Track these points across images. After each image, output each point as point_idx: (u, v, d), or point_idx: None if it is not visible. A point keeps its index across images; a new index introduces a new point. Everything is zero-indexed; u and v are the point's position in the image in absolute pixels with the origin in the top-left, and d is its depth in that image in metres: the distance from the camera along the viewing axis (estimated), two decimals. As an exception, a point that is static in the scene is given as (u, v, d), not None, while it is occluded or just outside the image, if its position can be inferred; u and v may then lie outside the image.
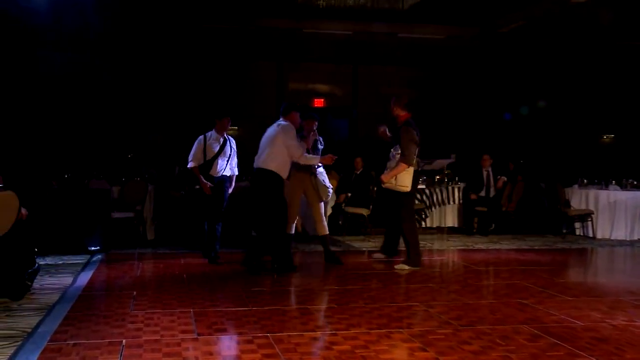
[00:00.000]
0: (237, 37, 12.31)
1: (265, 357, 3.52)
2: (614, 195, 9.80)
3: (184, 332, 4.04)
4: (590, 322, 4.43)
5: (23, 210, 5.19)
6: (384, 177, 6.66)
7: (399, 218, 6.76)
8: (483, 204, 10.03)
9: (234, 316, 4.47)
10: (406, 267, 6.68)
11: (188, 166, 7.06)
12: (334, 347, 3.75)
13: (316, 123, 6.98)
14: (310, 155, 6.58)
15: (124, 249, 7.92)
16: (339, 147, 13.53)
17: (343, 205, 9.79)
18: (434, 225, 10.62)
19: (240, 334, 4.01)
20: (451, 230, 10.46)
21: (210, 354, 3.59)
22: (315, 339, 3.93)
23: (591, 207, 9.87)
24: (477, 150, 11.06)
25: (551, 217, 10.36)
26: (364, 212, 9.47)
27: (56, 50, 11.90)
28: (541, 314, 4.63)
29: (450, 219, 10.78)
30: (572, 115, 13.54)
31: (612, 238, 9.67)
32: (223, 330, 4.09)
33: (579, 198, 10.07)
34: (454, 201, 10.67)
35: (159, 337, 3.90)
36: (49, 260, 6.96)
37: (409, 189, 6.61)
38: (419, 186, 10.29)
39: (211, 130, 7.15)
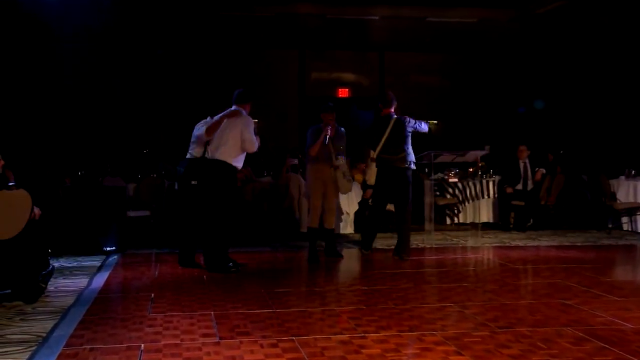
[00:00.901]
0: (256, 24, 12.32)
1: (291, 362, 3.52)
2: (665, 187, 9.61)
3: (204, 335, 4.05)
4: (640, 324, 4.35)
5: (36, 210, 5.27)
6: None
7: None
8: (520, 197, 9.92)
9: (257, 318, 4.47)
10: None
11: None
12: (363, 350, 3.73)
13: (333, 114, 7.06)
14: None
15: (140, 249, 7.98)
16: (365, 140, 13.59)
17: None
18: (468, 221, 10.54)
19: (264, 337, 4.01)
20: (486, 226, 10.36)
21: (233, 358, 3.60)
22: (343, 342, 3.92)
23: (640, 200, 9.71)
24: (513, 140, 10.94)
25: (595, 212, 10.21)
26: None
27: (67, 42, 12.03)
28: (586, 315, 4.56)
29: (485, 214, 10.69)
30: (617, 101, 13.30)
31: (662, 233, 9.50)
32: (246, 334, 4.10)
33: (626, 190, 9.89)
34: (488, 195, 10.58)
35: (178, 341, 3.92)
36: (63, 261, 7.04)
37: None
38: (451, 180, 10.23)
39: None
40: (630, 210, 9.88)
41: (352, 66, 14.05)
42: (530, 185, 10.03)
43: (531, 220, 10.06)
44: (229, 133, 6.33)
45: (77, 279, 6.06)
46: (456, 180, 10.45)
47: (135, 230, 8.47)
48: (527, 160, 10.08)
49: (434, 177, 8.41)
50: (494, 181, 10.56)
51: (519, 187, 10.01)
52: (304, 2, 11.83)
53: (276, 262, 7.24)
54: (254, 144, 6.36)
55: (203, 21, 11.98)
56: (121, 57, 12.46)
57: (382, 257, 7.44)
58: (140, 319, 4.46)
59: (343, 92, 13.78)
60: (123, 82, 12.48)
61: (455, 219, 10.57)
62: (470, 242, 8.65)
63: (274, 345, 3.82)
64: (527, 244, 8.48)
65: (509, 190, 10.01)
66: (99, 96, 12.41)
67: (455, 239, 8.92)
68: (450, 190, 10.26)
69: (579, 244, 8.46)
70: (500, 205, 10.35)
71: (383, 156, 7.14)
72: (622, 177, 10.16)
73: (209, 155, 6.44)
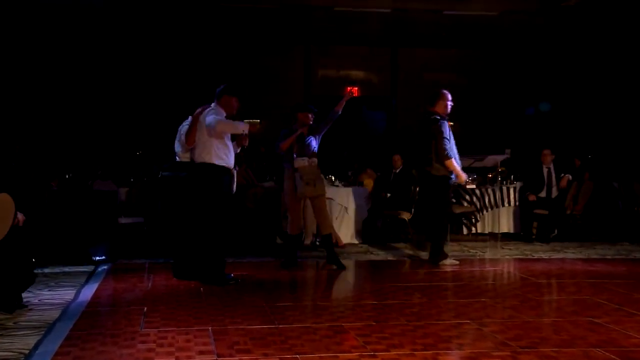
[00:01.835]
0: (259, 17, 12.33)
1: (294, 383, 3.50)
2: None
3: (201, 353, 4.03)
4: (677, 345, 4.31)
5: (19, 216, 5.25)
6: None
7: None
8: (544, 206, 9.89)
9: (257, 335, 4.46)
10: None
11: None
12: (373, 371, 3.72)
13: (311, 116, 7.11)
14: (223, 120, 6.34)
15: (132, 258, 7.97)
16: (375, 142, 13.58)
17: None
18: (486, 231, 10.49)
19: (265, 355, 4.00)
20: (506, 237, 10.31)
21: (231, 378, 3.58)
22: (351, 362, 3.90)
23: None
24: (536, 144, 10.91)
25: (627, 222, 10.17)
26: (405, 215, 9.42)
27: (54, 36, 12.06)
28: (618, 336, 4.52)
29: (505, 224, 10.63)
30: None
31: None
32: (246, 352, 4.08)
33: (663, 199, 9.85)
34: (509, 203, 10.53)
35: (173, 359, 3.90)
36: (48, 271, 7.05)
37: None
38: (469, 186, 10.20)
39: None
40: (666, 221, 9.84)
41: (362, 63, 14.04)
42: (554, 193, 9.99)
43: (556, 231, 10.03)
44: (200, 132, 6.32)
45: (63, 290, 6.04)
46: (474, 186, 10.41)
47: (127, 238, 8.47)
48: (551, 166, 10.05)
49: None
50: (515, 188, 10.52)
51: (543, 194, 9.97)
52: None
53: (279, 274, 7.20)
54: (213, 125, 6.15)
55: (203, 13, 11.98)
56: (113, 50, 12.47)
57: (393, 269, 7.42)
58: (132, 335, 4.44)
59: (352, 91, 13.79)
60: (115, 77, 12.50)
61: (473, 228, 10.52)
62: (489, 254, 8.62)
63: (276, 365, 3.81)
64: (551, 257, 8.43)
65: (532, 197, 9.98)
66: (89, 93, 12.43)
67: (472, 250, 8.89)
68: (468, 197, 10.22)
69: (608, 257, 8.41)
70: (522, 214, 10.31)
71: None
72: (657, 185, 10.13)
73: (194, 159, 6.44)
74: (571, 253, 8.76)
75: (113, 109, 12.52)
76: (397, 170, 9.88)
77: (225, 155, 6.33)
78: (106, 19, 11.60)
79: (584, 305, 5.51)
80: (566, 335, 4.53)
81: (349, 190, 9.68)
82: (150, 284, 6.45)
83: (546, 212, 9.88)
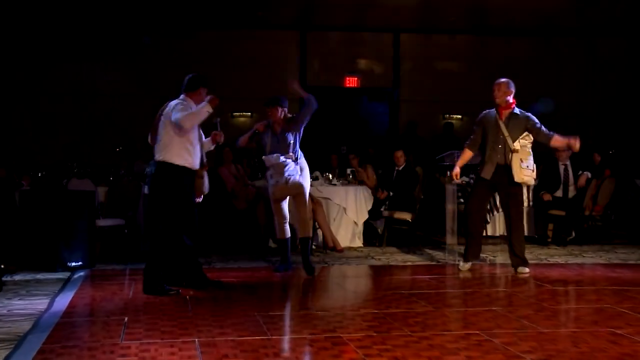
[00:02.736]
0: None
1: (288, 400, 3.50)
2: None
3: (186, 367, 4.03)
4: None
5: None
6: None
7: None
8: (560, 206, 9.90)
9: (249, 347, 4.45)
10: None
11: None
12: (375, 387, 3.72)
13: (280, 109, 7.25)
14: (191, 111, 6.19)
15: (111, 264, 7.97)
16: (377, 138, 13.58)
17: (382, 208, 9.77)
18: (497, 234, 10.51)
19: (256, 370, 4.00)
20: (519, 240, 10.33)
21: (219, 395, 3.58)
22: (350, 376, 3.91)
23: None
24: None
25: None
26: (408, 216, 9.42)
27: (26, 22, 12.06)
28: (641, 348, 4.54)
29: (518, 226, 10.65)
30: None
31: None
32: (235, 366, 4.08)
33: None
34: (522, 203, 10.54)
35: (155, 374, 3.91)
36: (18, 278, 7.03)
37: None
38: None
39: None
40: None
41: (362, 51, 14.03)
42: (572, 192, 10.01)
43: (573, 233, 10.04)
44: (162, 128, 6.25)
45: (35, 299, 6.03)
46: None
47: (106, 242, 8.47)
48: (568, 163, 10.05)
49: (457, 181, 8.40)
50: (528, 187, 10.53)
51: (559, 194, 9.98)
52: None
53: (272, 280, 7.21)
54: (181, 124, 6.02)
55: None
56: (91, 38, 12.47)
57: (395, 275, 7.42)
58: (111, 348, 4.43)
59: (351, 82, 13.70)
60: (92, 66, 12.49)
61: (483, 231, 10.53)
62: (500, 259, 8.63)
63: (269, 380, 3.81)
64: (569, 261, 8.46)
65: (547, 197, 9.99)
66: (63, 83, 12.42)
67: (482, 255, 8.89)
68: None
69: (631, 262, 8.43)
70: (537, 216, 10.32)
71: None
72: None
73: (155, 157, 6.36)
74: (590, 257, 8.78)
75: (91, 102, 12.51)
76: (400, 168, 9.87)
77: (188, 155, 6.24)
78: (89, 5, 11.59)
79: (604, 314, 5.51)
80: (585, 347, 4.53)
81: (348, 189, 9.66)
82: (131, 292, 6.44)
83: (563, 213, 9.89)
